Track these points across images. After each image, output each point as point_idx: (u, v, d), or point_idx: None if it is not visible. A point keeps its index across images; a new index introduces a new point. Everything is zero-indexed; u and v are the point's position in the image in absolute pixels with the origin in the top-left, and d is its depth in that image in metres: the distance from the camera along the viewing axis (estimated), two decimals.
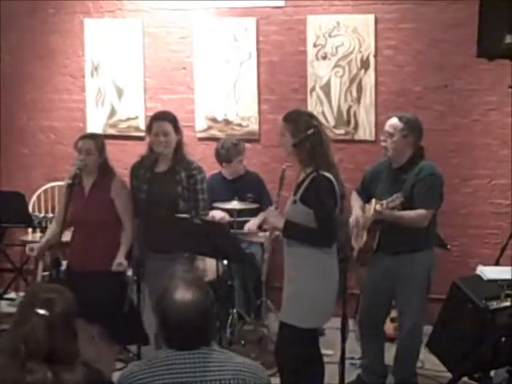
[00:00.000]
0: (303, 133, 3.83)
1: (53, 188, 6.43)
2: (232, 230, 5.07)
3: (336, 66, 5.95)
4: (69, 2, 6.47)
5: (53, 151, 6.63)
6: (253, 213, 5.57)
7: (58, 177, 6.30)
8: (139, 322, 4.41)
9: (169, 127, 4.52)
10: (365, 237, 4.55)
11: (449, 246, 5.38)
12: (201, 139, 6.26)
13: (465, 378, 4.36)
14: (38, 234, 6.12)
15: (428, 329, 4.66)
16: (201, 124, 6.28)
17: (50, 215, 5.76)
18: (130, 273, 4.58)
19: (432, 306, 4.74)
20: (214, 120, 6.26)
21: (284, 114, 4.05)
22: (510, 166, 5.55)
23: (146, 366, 2.46)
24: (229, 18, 6.15)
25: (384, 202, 4.38)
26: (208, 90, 6.24)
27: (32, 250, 4.54)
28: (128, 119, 6.46)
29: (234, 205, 5.37)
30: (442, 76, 5.74)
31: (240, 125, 6.21)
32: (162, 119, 4.57)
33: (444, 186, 4.55)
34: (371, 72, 5.88)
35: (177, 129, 4.56)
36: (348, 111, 5.97)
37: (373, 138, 5.86)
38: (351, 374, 4.73)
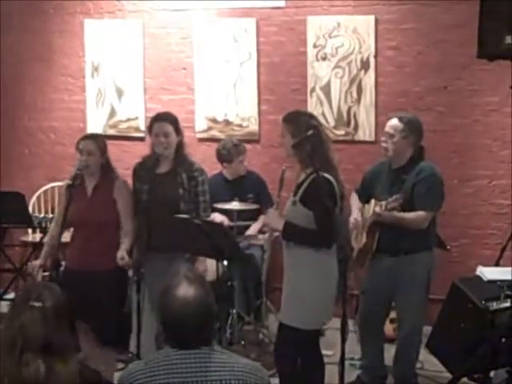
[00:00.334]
0: (303, 133, 3.83)
1: (53, 188, 6.43)
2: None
3: (336, 66, 5.95)
4: (69, 3, 6.47)
5: (53, 151, 6.64)
6: (253, 213, 5.58)
7: (58, 177, 6.31)
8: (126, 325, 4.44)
9: (169, 128, 4.52)
10: (364, 238, 4.55)
11: (449, 247, 5.38)
12: (201, 140, 6.27)
13: (464, 379, 4.35)
14: (38, 235, 6.11)
15: (428, 329, 4.66)
16: (201, 124, 6.28)
17: (50, 216, 5.75)
18: (130, 273, 4.58)
19: (432, 306, 4.75)
20: (214, 120, 6.26)
21: (284, 114, 4.05)
22: (510, 167, 5.56)
23: (146, 366, 2.45)
24: (229, 18, 6.16)
25: (383, 203, 4.38)
26: (208, 90, 6.24)
27: (34, 268, 4.51)
28: (128, 120, 6.46)
29: (234, 205, 5.37)
30: (443, 77, 5.74)
31: (240, 125, 6.21)
32: (163, 120, 4.57)
33: (444, 187, 4.55)
34: (371, 73, 5.88)
35: (177, 130, 4.56)
36: (348, 112, 5.97)
37: (373, 138, 5.86)
38: (351, 375, 4.73)
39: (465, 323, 4.24)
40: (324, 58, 5.96)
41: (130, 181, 4.70)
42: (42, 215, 5.91)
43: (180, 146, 4.57)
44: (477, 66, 5.29)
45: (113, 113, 6.49)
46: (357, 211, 4.67)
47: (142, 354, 4.30)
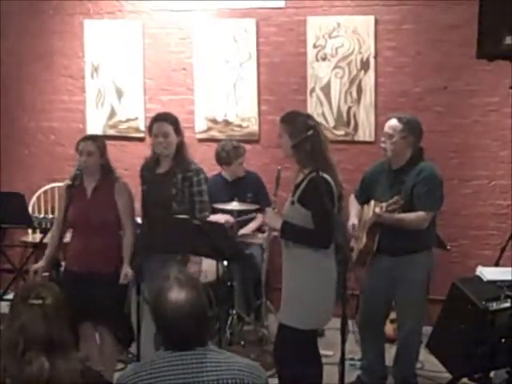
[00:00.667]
0: (303, 133, 3.83)
1: (53, 189, 6.43)
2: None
3: (336, 67, 5.95)
4: (69, 3, 6.47)
5: (53, 152, 6.64)
6: (252, 213, 5.59)
7: (57, 178, 6.31)
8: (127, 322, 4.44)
9: (169, 128, 4.51)
10: (364, 239, 4.55)
11: (448, 247, 5.38)
12: (201, 140, 6.27)
13: (464, 379, 4.35)
14: (38, 235, 6.12)
15: (428, 329, 4.66)
16: (201, 125, 6.29)
17: (50, 216, 5.76)
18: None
19: (432, 306, 4.75)
20: (214, 121, 6.26)
21: (282, 115, 4.05)
22: (510, 167, 5.56)
23: (141, 369, 2.45)
24: (229, 19, 6.16)
25: (383, 204, 4.37)
26: (208, 90, 6.24)
27: (36, 272, 4.50)
28: (128, 120, 6.46)
29: (234, 206, 5.38)
30: (442, 77, 5.75)
31: (240, 126, 6.22)
32: (162, 120, 4.56)
33: (444, 187, 4.55)
34: (371, 73, 5.89)
35: (177, 130, 4.55)
36: (348, 112, 5.97)
37: (372, 139, 5.86)
38: (351, 375, 4.73)
39: (465, 323, 4.23)
40: (324, 59, 5.97)
41: (130, 181, 4.70)
42: (41, 215, 5.91)
43: (180, 146, 4.56)
44: (476, 66, 5.29)
45: (113, 113, 6.49)
46: (355, 217, 4.68)
47: (141, 354, 4.30)
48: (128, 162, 6.07)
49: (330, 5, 5.93)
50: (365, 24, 5.84)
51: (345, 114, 5.98)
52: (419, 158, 4.53)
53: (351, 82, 5.94)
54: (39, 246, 5.65)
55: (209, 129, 6.28)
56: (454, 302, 4.45)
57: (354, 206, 4.76)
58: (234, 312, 5.35)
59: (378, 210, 4.41)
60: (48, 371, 2.36)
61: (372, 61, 5.87)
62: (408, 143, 4.47)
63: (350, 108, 5.97)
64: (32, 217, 5.69)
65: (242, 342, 5.29)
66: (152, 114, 5.03)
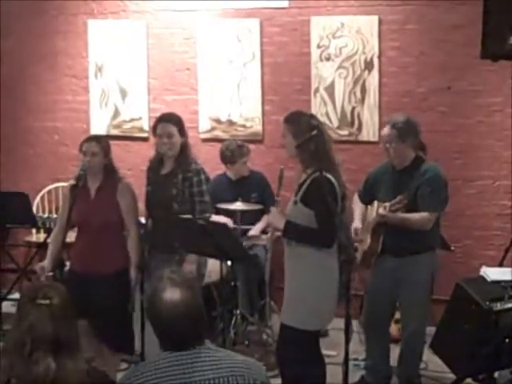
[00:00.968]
0: (307, 133, 3.83)
1: (57, 189, 6.44)
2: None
3: (340, 67, 5.95)
4: (72, 3, 6.48)
5: (57, 152, 6.65)
6: (257, 213, 5.59)
7: (61, 177, 6.32)
8: (130, 329, 4.43)
9: (173, 129, 4.51)
10: (369, 240, 4.55)
11: (452, 247, 5.38)
12: (204, 140, 6.27)
13: (468, 380, 4.35)
14: (42, 235, 6.13)
15: (431, 330, 4.66)
16: (204, 125, 6.29)
17: (54, 216, 5.75)
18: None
19: (436, 307, 4.75)
20: (218, 121, 6.27)
21: (285, 115, 4.05)
22: None
23: (146, 369, 2.45)
24: (232, 19, 6.16)
25: (387, 204, 4.37)
26: (212, 90, 6.25)
27: (42, 269, 4.50)
28: (132, 120, 6.47)
29: (238, 205, 5.37)
30: (446, 77, 5.74)
31: (244, 126, 6.22)
32: (166, 121, 4.56)
33: (448, 188, 4.55)
34: (375, 73, 5.89)
35: (182, 131, 4.55)
36: (352, 112, 5.97)
37: (376, 139, 5.85)
38: (355, 375, 4.73)
39: (469, 324, 4.23)
40: (328, 59, 5.97)
41: (133, 181, 4.71)
42: (45, 215, 5.91)
43: (184, 146, 4.56)
44: (480, 66, 5.28)
45: (116, 113, 6.49)
46: (358, 220, 4.67)
47: (146, 353, 4.30)
48: (132, 161, 6.08)
49: (334, 5, 5.93)
50: (368, 24, 5.84)
51: (349, 114, 5.98)
52: (422, 157, 4.53)
53: (355, 82, 5.94)
54: (43, 246, 5.64)
55: (213, 129, 6.28)
56: (458, 303, 4.44)
57: (357, 206, 4.76)
58: (238, 312, 5.35)
59: (381, 210, 4.41)
60: (54, 372, 2.36)
61: (376, 61, 5.87)
62: (407, 145, 4.46)
63: (353, 108, 5.96)
64: (36, 216, 5.71)
65: (246, 342, 5.29)
66: (156, 114, 5.04)
